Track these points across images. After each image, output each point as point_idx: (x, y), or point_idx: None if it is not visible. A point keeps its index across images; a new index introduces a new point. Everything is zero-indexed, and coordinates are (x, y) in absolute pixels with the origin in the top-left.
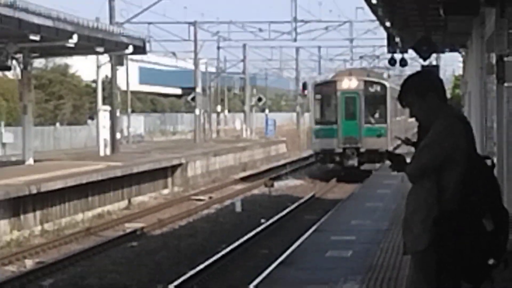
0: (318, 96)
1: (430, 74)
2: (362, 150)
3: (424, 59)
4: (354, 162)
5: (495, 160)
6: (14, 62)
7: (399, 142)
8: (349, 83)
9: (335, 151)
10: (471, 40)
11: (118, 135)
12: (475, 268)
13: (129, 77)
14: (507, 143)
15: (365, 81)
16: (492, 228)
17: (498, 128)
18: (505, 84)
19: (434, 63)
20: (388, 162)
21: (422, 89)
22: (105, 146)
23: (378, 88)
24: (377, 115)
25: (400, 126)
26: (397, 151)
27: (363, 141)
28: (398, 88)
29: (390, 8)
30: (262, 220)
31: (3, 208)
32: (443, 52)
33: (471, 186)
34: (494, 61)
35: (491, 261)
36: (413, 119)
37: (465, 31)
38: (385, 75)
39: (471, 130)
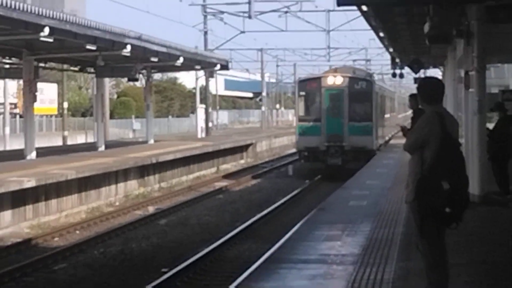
0: (303, 93)
1: (429, 82)
2: (346, 148)
3: (415, 73)
4: (338, 160)
5: (462, 141)
6: (140, 75)
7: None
8: (334, 80)
9: (319, 149)
10: (447, 60)
11: (210, 124)
12: (440, 214)
13: (217, 85)
14: (471, 131)
15: (350, 78)
16: (448, 187)
17: (465, 120)
18: (469, 90)
19: (422, 75)
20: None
21: (419, 91)
22: (201, 131)
23: (364, 85)
24: (362, 113)
25: (388, 123)
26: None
27: (348, 139)
28: (384, 85)
29: (392, 39)
30: (306, 181)
31: (134, 173)
32: (428, 68)
33: (439, 159)
34: (462, 74)
35: (447, 209)
36: (404, 114)
37: (443, 54)
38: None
39: (449, 121)
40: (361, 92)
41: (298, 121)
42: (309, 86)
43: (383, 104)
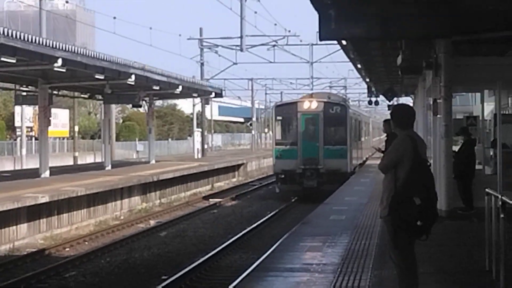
0: (279, 118)
1: (401, 108)
2: (322, 171)
3: (389, 101)
4: (313, 183)
5: (431, 162)
6: (143, 102)
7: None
8: (309, 105)
9: (295, 172)
10: (417, 89)
11: (205, 146)
12: (413, 226)
13: (212, 111)
14: (438, 152)
15: (325, 103)
16: (419, 203)
17: (433, 143)
18: (437, 116)
19: (395, 103)
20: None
21: (393, 115)
22: (198, 152)
23: (338, 109)
24: (337, 137)
25: (363, 146)
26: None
27: (323, 162)
28: (359, 110)
29: (368, 70)
30: (293, 199)
31: (137, 190)
32: (400, 96)
33: (411, 177)
34: (431, 102)
35: (418, 223)
36: (378, 138)
37: (414, 84)
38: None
39: (419, 143)
40: (335, 116)
41: (275, 144)
42: (286, 111)
43: (358, 128)
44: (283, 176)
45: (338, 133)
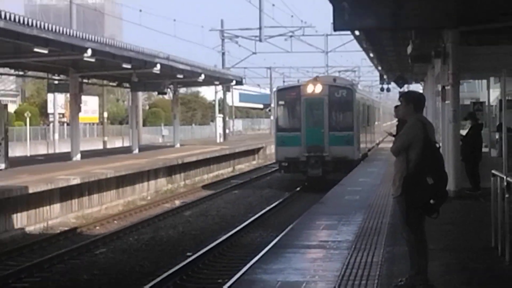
0: (281, 102)
1: (414, 94)
2: (327, 158)
3: (400, 88)
4: (318, 171)
5: (440, 144)
6: (168, 90)
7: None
8: (313, 88)
9: (299, 160)
10: (427, 76)
11: (227, 131)
12: (425, 205)
13: (233, 98)
14: (447, 136)
15: (330, 86)
16: (432, 183)
17: (441, 127)
18: (446, 102)
19: (406, 89)
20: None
21: (408, 99)
22: (220, 137)
23: (344, 93)
24: (343, 122)
25: (372, 131)
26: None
27: (329, 150)
28: (367, 95)
29: (380, 59)
30: (306, 183)
31: (163, 172)
32: (411, 83)
33: (423, 159)
34: (439, 89)
35: (432, 201)
36: (390, 123)
37: (424, 72)
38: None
39: (429, 127)
40: (341, 100)
41: (277, 131)
42: (288, 95)
43: (367, 113)
44: (286, 164)
45: (344, 118)
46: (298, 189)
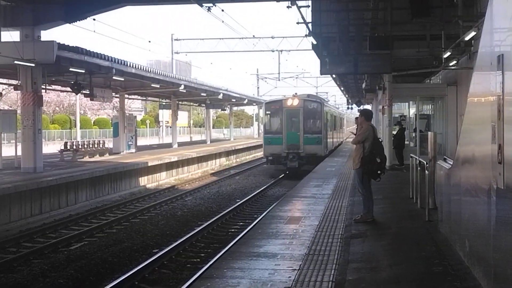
0: (268, 112)
1: (366, 110)
2: (302, 154)
3: (358, 107)
4: (295, 164)
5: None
6: (227, 108)
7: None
8: (292, 102)
9: (281, 155)
10: (374, 100)
11: (260, 131)
12: (374, 173)
13: (263, 113)
14: (385, 135)
15: (305, 100)
16: (379, 161)
17: (382, 129)
18: (384, 115)
19: (362, 108)
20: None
21: (364, 114)
22: (256, 135)
23: (315, 106)
24: (314, 127)
25: (337, 135)
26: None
27: (303, 148)
28: (334, 108)
29: (347, 90)
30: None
31: (223, 154)
32: (365, 104)
33: (374, 147)
34: (381, 107)
35: (379, 172)
36: (352, 127)
37: (372, 98)
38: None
39: (375, 129)
40: (313, 111)
41: (264, 133)
42: (273, 107)
43: (334, 121)
44: (271, 158)
45: (314, 124)
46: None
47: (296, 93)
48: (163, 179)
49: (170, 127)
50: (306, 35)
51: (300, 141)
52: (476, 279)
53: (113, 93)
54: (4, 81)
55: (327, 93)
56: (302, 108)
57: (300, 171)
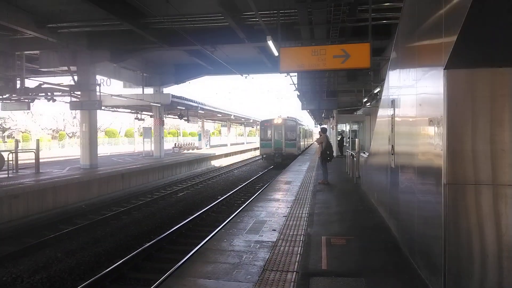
0: (263, 127)
1: (324, 127)
2: (284, 154)
3: (321, 125)
4: (280, 160)
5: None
6: (256, 126)
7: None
8: (277, 121)
9: (271, 154)
10: (329, 122)
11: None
12: (328, 159)
13: None
14: (334, 141)
15: (285, 119)
16: (329, 153)
17: (332, 138)
18: (333, 129)
19: (323, 125)
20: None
21: (322, 130)
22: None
23: (292, 123)
24: (291, 137)
25: (306, 142)
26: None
27: (285, 150)
28: (305, 125)
29: (315, 117)
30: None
31: (251, 151)
32: (325, 124)
33: (327, 147)
34: (332, 126)
35: (329, 158)
36: (317, 137)
37: (328, 120)
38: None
39: (328, 137)
40: (291, 126)
41: (260, 140)
42: (266, 124)
43: (304, 133)
44: (264, 156)
45: (292, 135)
46: (271, 167)
47: (280, 115)
48: (222, 163)
49: (227, 136)
50: (295, 90)
51: (283, 145)
52: (380, 213)
53: (198, 119)
54: (146, 112)
55: (302, 116)
56: (284, 124)
57: (283, 164)
